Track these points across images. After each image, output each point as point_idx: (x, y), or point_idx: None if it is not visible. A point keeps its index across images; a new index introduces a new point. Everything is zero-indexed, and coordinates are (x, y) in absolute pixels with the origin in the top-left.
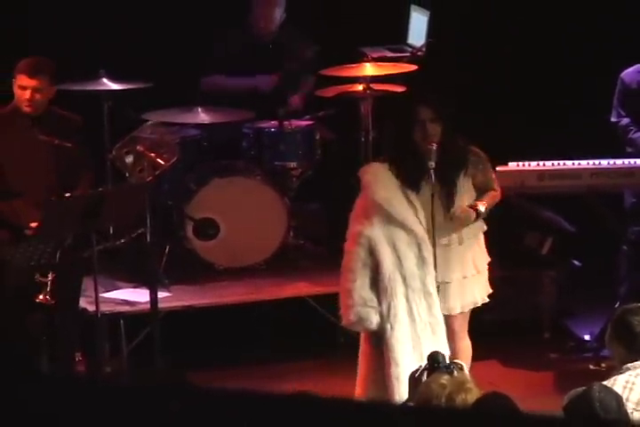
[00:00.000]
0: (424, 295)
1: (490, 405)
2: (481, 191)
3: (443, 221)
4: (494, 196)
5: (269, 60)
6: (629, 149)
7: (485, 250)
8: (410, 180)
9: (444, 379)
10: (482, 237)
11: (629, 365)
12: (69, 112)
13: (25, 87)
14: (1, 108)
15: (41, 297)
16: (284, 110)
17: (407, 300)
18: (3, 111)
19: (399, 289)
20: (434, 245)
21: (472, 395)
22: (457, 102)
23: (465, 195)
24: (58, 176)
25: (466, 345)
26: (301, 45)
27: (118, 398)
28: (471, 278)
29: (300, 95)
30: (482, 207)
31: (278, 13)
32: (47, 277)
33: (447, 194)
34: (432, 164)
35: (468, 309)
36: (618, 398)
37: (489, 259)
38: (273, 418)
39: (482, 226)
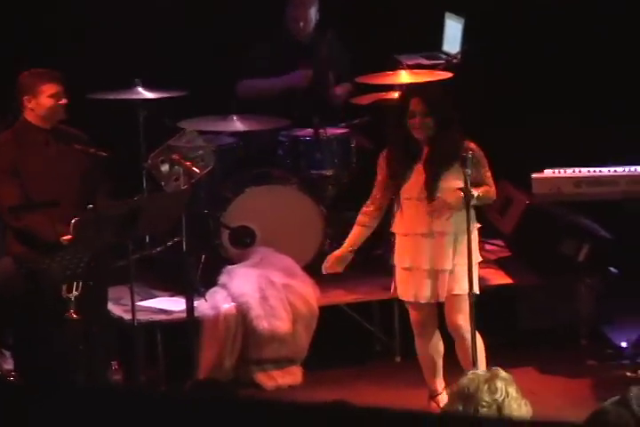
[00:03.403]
0: None
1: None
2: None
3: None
4: (487, 190)
5: (306, 61)
6: None
7: (469, 249)
8: (398, 169)
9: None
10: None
11: None
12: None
13: (59, 95)
14: (10, 129)
15: (69, 313)
16: (318, 118)
17: None
18: (19, 127)
19: None
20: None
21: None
22: (455, 99)
23: (451, 190)
24: (80, 187)
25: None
26: (338, 55)
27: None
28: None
29: (341, 87)
30: (474, 192)
31: (313, 14)
32: (72, 292)
33: (429, 187)
34: (468, 171)
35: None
36: None
37: (480, 258)
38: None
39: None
